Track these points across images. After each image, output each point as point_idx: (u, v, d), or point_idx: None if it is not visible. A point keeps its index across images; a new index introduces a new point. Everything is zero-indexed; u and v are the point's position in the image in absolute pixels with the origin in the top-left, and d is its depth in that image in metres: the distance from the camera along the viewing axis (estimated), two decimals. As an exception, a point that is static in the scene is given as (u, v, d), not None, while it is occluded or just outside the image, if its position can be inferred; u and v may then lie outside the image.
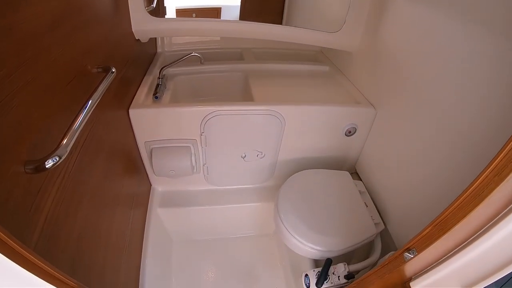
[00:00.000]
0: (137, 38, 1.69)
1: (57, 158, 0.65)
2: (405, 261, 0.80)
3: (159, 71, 1.75)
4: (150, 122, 1.59)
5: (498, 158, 0.56)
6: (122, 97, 1.45)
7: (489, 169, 0.57)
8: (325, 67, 2.23)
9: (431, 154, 1.32)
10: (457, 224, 0.63)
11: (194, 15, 2.52)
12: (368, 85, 1.83)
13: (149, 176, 1.87)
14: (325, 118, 1.75)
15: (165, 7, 2.14)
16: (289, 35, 1.90)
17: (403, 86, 1.49)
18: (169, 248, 2.05)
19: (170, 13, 2.31)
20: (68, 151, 0.69)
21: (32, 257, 0.54)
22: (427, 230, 0.73)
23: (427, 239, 0.73)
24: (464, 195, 0.63)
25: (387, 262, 0.90)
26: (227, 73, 2.04)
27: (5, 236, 0.48)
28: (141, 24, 1.63)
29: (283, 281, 1.99)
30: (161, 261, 1.86)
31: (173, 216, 1.94)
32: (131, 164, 1.58)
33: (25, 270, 0.52)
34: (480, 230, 0.62)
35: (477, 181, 0.60)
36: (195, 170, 1.83)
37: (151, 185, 1.94)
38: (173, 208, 1.89)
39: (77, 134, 0.75)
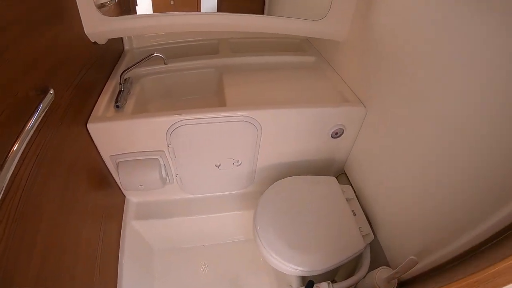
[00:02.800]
0: (93, 41, 1.51)
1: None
2: None
3: (119, 75, 1.57)
4: (112, 135, 1.45)
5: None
6: (78, 110, 1.32)
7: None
8: (310, 58, 2.04)
9: (429, 158, 1.17)
10: None
11: (172, 2, 2.32)
12: (358, 79, 1.65)
13: (121, 188, 1.74)
14: (308, 120, 1.59)
15: (135, -4, 1.91)
16: (270, 25, 1.70)
17: (397, 80, 1.32)
18: (149, 258, 1.96)
19: (145, 2, 2.09)
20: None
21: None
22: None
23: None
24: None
25: None
26: (199, 70, 1.87)
27: None
28: (94, 25, 1.45)
29: (268, 288, 1.90)
30: (140, 272, 1.78)
31: (151, 228, 1.83)
32: (98, 178, 1.48)
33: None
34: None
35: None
36: (167, 181, 1.71)
37: (124, 196, 1.82)
38: (149, 220, 1.78)
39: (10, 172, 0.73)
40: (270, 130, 1.57)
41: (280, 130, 1.60)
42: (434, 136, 1.13)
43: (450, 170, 1.06)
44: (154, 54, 1.57)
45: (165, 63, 1.59)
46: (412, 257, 1.07)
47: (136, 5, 1.94)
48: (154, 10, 2.13)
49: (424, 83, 1.16)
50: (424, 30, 1.14)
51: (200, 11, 2.35)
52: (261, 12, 2.10)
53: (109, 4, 1.62)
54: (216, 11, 2.15)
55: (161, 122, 1.44)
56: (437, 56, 1.08)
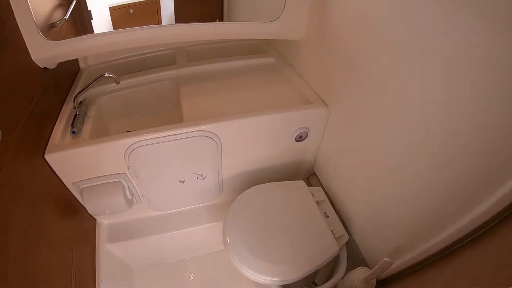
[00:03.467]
0: (42, 67, 1.45)
1: None
2: None
3: (73, 99, 1.52)
4: (71, 163, 1.41)
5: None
6: (34, 141, 1.28)
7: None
8: (269, 59, 1.99)
9: (395, 155, 1.16)
10: None
11: (131, 10, 2.26)
12: (319, 78, 1.62)
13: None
14: (269, 127, 1.57)
15: (90, 11, 1.85)
16: (228, 32, 1.66)
17: (356, 77, 1.30)
18: (129, 278, 1.95)
19: (102, 14, 2.04)
20: None
21: None
22: None
23: None
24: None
25: None
26: (156, 84, 1.81)
27: None
28: (40, 51, 1.38)
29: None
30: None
31: (126, 249, 1.81)
32: (64, 206, 1.46)
33: None
34: None
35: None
36: (134, 202, 1.68)
37: (95, 220, 1.78)
38: (124, 242, 1.76)
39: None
40: (230, 141, 1.54)
41: (241, 139, 1.57)
42: (397, 132, 1.12)
43: (415, 167, 1.05)
44: (105, 75, 1.52)
45: (116, 83, 1.55)
46: (386, 258, 1.06)
47: (92, 19, 1.88)
48: (112, 21, 2.09)
49: (382, 79, 1.14)
50: (378, 25, 1.11)
51: (160, 17, 2.32)
52: (221, 15, 2.06)
53: (59, 23, 1.57)
54: (174, 17, 2.11)
55: (117, 146, 1.40)
56: (393, 50, 1.06)
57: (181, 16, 2.06)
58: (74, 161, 1.40)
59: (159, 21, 2.30)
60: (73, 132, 1.44)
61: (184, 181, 1.64)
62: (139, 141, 1.40)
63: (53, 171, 1.39)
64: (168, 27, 1.64)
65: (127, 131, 1.66)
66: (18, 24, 1.28)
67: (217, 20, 2.07)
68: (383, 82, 1.13)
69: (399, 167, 1.14)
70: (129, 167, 1.48)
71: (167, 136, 1.42)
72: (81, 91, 1.53)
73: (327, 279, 1.47)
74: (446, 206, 0.94)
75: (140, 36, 1.57)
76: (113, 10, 2.10)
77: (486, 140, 0.78)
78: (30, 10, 1.26)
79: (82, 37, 1.55)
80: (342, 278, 1.41)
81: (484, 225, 0.80)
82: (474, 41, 0.76)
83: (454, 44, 0.82)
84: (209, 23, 1.65)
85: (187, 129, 1.43)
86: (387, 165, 1.20)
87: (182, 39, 1.63)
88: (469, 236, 0.85)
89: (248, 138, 1.57)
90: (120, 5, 2.21)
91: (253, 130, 1.54)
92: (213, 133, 1.47)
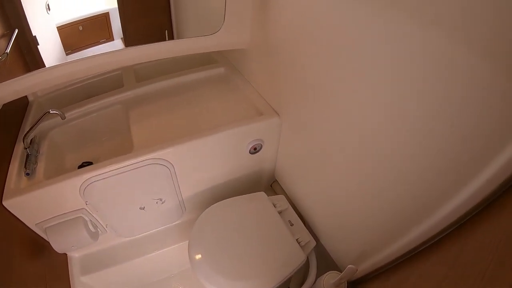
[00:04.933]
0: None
1: None
2: None
3: (22, 139, 1.50)
4: (29, 206, 1.40)
5: None
6: None
7: None
8: (219, 70, 1.97)
9: (348, 158, 1.18)
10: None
11: (80, 28, 2.21)
12: (268, 87, 1.62)
13: (57, 250, 1.70)
14: (222, 144, 1.56)
15: (35, 36, 1.80)
16: (176, 49, 1.65)
17: (304, 86, 1.31)
18: None
19: (50, 36, 1.99)
20: None
21: None
22: None
23: None
24: None
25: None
26: (106, 110, 1.78)
27: None
28: None
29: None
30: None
31: (101, 279, 1.81)
32: (31, 246, 1.47)
33: None
34: None
35: None
36: (100, 233, 1.68)
37: (66, 254, 1.78)
38: (97, 272, 1.76)
39: None
40: (183, 164, 1.53)
41: (194, 161, 1.56)
42: (347, 137, 1.13)
43: (368, 172, 1.07)
44: (50, 112, 1.49)
45: (62, 118, 1.52)
46: (350, 265, 1.10)
47: (38, 45, 1.83)
48: (62, 42, 2.04)
49: (326, 85, 1.15)
50: (317, 32, 1.11)
51: (111, 31, 2.27)
52: (170, 25, 2.01)
53: (1, 59, 1.53)
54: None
55: (71, 184, 1.39)
56: (334, 56, 1.06)
57: (129, 30, 2.01)
58: (32, 204, 1.39)
59: (110, 36, 2.25)
60: (27, 174, 1.43)
61: (144, 207, 1.64)
62: (91, 177, 1.39)
63: (13, 215, 1.38)
64: (116, 52, 1.63)
65: (83, 162, 1.65)
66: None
67: (166, 31, 2.03)
68: (327, 88, 1.14)
69: (354, 172, 1.16)
70: (87, 202, 1.47)
71: (118, 168, 1.42)
72: (29, 130, 1.50)
73: (301, 284, 1.49)
74: (405, 211, 0.96)
75: (83, 67, 1.56)
76: (62, 29, 2.04)
77: (437, 145, 0.79)
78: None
79: (21, 77, 1.52)
80: (314, 283, 1.44)
81: (446, 228, 0.83)
82: (414, 47, 0.77)
83: (390, 47, 0.83)
84: (161, 43, 1.65)
85: (137, 159, 1.43)
86: (343, 170, 1.22)
87: (134, 61, 1.64)
88: (433, 239, 0.88)
89: (202, 159, 1.57)
90: (68, 24, 2.14)
91: (205, 150, 1.54)
92: (164, 159, 1.46)
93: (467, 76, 0.66)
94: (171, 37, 2.00)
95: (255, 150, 1.63)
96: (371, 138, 1.01)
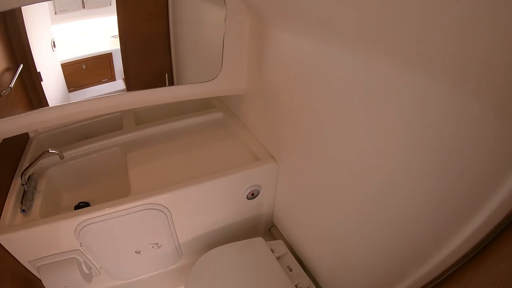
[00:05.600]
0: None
1: None
2: None
3: (20, 175, 1.51)
4: (23, 243, 1.40)
5: None
6: None
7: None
8: (218, 114, 2.02)
9: (345, 202, 1.18)
10: None
11: (84, 66, 2.26)
12: (265, 131, 1.65)
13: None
14: (219, 190, 1.57)
15: (39, 72, 1.82)
16: (176, 95, 1.70)
17: (298, 132, 1.34)
18: None
19: (53, 72, 2.02)
20: None
21: None
22: None
23: None
24: None
25: None
26: (104, 151, 1.80)
27: None
28: None
29: None
30: None
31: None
32: (23, 283, 1.45)
33: None
34: None
35: None
36: (94, 275, 1.65)
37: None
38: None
39: None
40: (180, 210, 1.53)
41: (191, 206, 1.57)
42: (343, 181, 1.14)
43: (365, 216, 1.08)
44: (49, 151, 1.51)
45: (60, 158, 1.53)
46: None
47: (42, 81, 1.86)
48: (65, 79, 2.07)
49: (321, 130, 1.17)
50: (310, 80, 1.15)
51: (114, 71, 2.31)
52: (170, 68, 2.06)
53: (4, 93, 1.55)
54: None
55: (66, 225, 1.39)
56: (323, 102, 1.11)
57: (131, 72, 2.05)
58: (26, 241, 1.39)
59: (112, 76, 2.29)
60: (23, 211, 1.43)
61: (140, 251, 1.62)
62: (87, 219, 1.39)
63: (7, 251, 1.37)
64: (117, 96, 1.67)
65: (80, 202, 1.65)
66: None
67: (166, 75, 2.07)
68: (320, 133, 1.17)
69: (350, 215, 1.16)
70: (81, 244, 1.46)
71: (114, 212, 1.41)
72: (28, 167, 1.51)
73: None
74: (403, 251, 0.96)
75: (85, 109, 1.60)
76: (66, 67, 2.09)
77: (427, 185, 0.80)
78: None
79: (23, 114, 1.54)
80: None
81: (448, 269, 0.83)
82: (404, 95, 0.80)
83: (379, 96, 0.87)
84: (161, 88, 1.71)
85: (134, 203, 1.43)
86: (339, 212, 1.22)
87: (134, 106, 1.68)
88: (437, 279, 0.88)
89: (199, 204, 1.57)
90: (72, 61, 2.19)
91: (202, 195, 1.55)
92: (161, 204, 1.46)
93: (457, 117, 0.68)
94: (171, 80, 2.05)
95: (252, 195, 1.64)
96: (365, 181, 1.02)
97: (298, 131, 1.33)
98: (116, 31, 1.90)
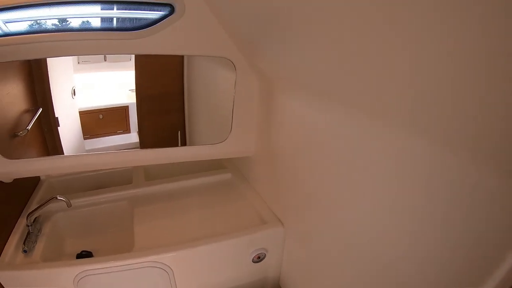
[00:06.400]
0: (-1, 180, 1.48)
1: None
2: None
3: (26, 216, 1.52)
4: (21, 283, 1.38)
5: None
6: None
7: None
8: (226, 175, 2.06)
9: (353, 265, 1.14)
10: None
11: (101, 116, 2.34)
12: (273, 195, 1.67)
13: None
14: (224, 253, 1.56)
15: (57, 118, 1.88)
16: (186, 155, 1.76)
17: (305, 195, 1.35)
18: None
19: (71, 117, 2.08)
20: None
21: None
22: None
23: None
24: None
25: None
26: (111, 204, 1.82)
27: None
28: None
29: None
30: None
31: None
32: None
33: None
34: None
35: None
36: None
37: None
38: None
39: None
40: (183, 270, 1.51)
41: (195, 267, 1.55)
42: (350, 245, 1.13)
43: (374, 275, 1.04)
44: (57, 197, 1.53)
45: (68, 206, 1.55)
46: None
47: (59, 126, 1.91)
48: (82, 126, 2.13)
49: (327, 195, 1.18)
50: (317, 147, 1.18)
51: (129, 123, 2.39)
52: (183, 125, 2.13)
53: (21, 134, 1.60)
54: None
55: (65, 273, 1.38)
56: (330, 167, 1.12)
57: (145, 126, 2.13)
58: (24, 281, 1.38)
59: (127, 128, 2.37)
60: (25, 251, 1.43)
61: (138, 308, 1.59)
62: (88, 269, 1.38)
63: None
64: (131, 152, 1.72)
65: (83, 250, 1.65)
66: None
67: (179, 132, 2.14)
68: (327, 197, 1.18)
69: (359, 278, 1.13)
70: (80, 294, 1.44)
71: (116, 266, 1.40)
72: (35, 209, 1.53)
73: None
74: None
75: (98, 161, 1.64)
76: (83, 114, 2.17)
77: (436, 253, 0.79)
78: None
79: (38, 159, 1.59)
80: None
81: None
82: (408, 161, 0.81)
83: (385, 162, 0.88)
84: (171, 148, 1.76)
85: (136, 260, 1.42)
86: (348, 276, 1.20)
87: (145, 163, 1.74)
88: None
89: (203, 265, 1.56)
90: (90, 110, 2.29)
91: (207, 257, 1.54)
92: (164, 263, 1.45)
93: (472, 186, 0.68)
94: (183, 138, 2.12)
95: (258, 258, 1.61)
96: (375, 246, 1.01)
97: (304, 196, 1.35)
98: (134, 86, 1.98)
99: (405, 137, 0.81)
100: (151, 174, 2.08)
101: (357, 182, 1.02)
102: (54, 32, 1.25)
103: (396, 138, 0.84)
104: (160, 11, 1.29)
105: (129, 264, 1.42)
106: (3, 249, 1.42)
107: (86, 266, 1.38)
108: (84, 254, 1.64)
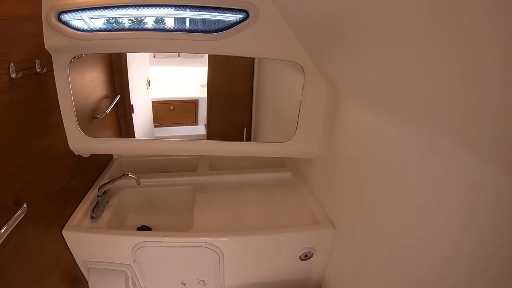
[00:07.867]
0: (77, 154, 1.67)
1: None
2: None
3: (98, 188, 1.70)
4: (84, 244, 1.57)
5: None
6: (56, 215, 1.46)
7: None
8: (287, 174, 2.12)
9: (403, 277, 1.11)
10: None
11: (171, 107, 2.49)
12: (328, 197, 1.69)
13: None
14: (274, 245, 1.61)
15: (132, 105, 2.05)
16: (249, 150, 1.83)
17: (359, 202, 1.35)
18: None
19: (144, 106, 2.25)
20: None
21: None
22: None
23: None
24: None
25: None
26: (176, 187, 1.97)
27: None
28: (77, 143, 1.60)
29: None
30: None
31: None
32: (70, 278, 1.59)
33: None
34: None
35: None
36: (135, 292, 1.71)
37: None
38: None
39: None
40: (232, 255, 1.59)
41: (244, 255, 1.62)
42: (401, 258, 1.10)
43: None
44: (128, 175, 1.68)
45: (137, 183, 1.70)
46: None
47: (133, 113, 2.08)
48: (154, 115, 2.30)
49: (381, 204, 1.17)
50: (377, 152, 1.18)
51: (197, 116, 2.52)
52: (249, 123, 2.23)
53: (100, 116, 1.78)
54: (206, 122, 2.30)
55: (126, 240, 1.53)
56: (387, 177, 1.11)
57: (213, 120, 2.25)
58: (86, 243, 1.55)
59: (196, 121, 2.51)
60: (92, 217, 1.62)
61: (185, 284, 1.68)
62: (146, 241, 1.51)
63: (66, 245, 1.53)
64: (199, 142, 1.85)
65: (143, 225, 1.78)
66: (63, 118, 1.52)
67: (245, 129, 2.23)
68: (381, 207, 1.18)
69: None
70: (135, 261, 1.57)
71: (172, 241, 1.53)
72: (107, 183, 1.71)
73: None
74: None
75: (166, 147, 1.77)
76: (156, 104, 2.35)
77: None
78: (73, 108, 1.50)
79: (114, 139, 1.78)
80: None
81: None
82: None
83: (444, 178, 0.86)
84: (237, 142, 1.87)
85: (192, 239, 1.53)
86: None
87: (209, 153, 1.87)
88: None
89: (251, 254, 1.62)
90: (162, 101, 2.46)
91: (257, 247, 1.60)
92: (216, 246, 1.54)
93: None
94: (249, 135, 2.20)
95: (305, 257, 1.64)
96: (426, 259, 0.96)
97: (358, 202, 1.35)
98: (205, 81, 2.12)
99: (475, 162, 0.77)
100: (215, 165, 2.20)
101: (414, 196, 1.00)
102: (148, 31, 1.39)
103: (462, 164, 0.81)
104: (237, 15, 1.38)
105: (184, 242, 1.53)
106: (72, 213, 1.60)
107: (146, 238, 1.52)
108: (144, 228, 1.78)
